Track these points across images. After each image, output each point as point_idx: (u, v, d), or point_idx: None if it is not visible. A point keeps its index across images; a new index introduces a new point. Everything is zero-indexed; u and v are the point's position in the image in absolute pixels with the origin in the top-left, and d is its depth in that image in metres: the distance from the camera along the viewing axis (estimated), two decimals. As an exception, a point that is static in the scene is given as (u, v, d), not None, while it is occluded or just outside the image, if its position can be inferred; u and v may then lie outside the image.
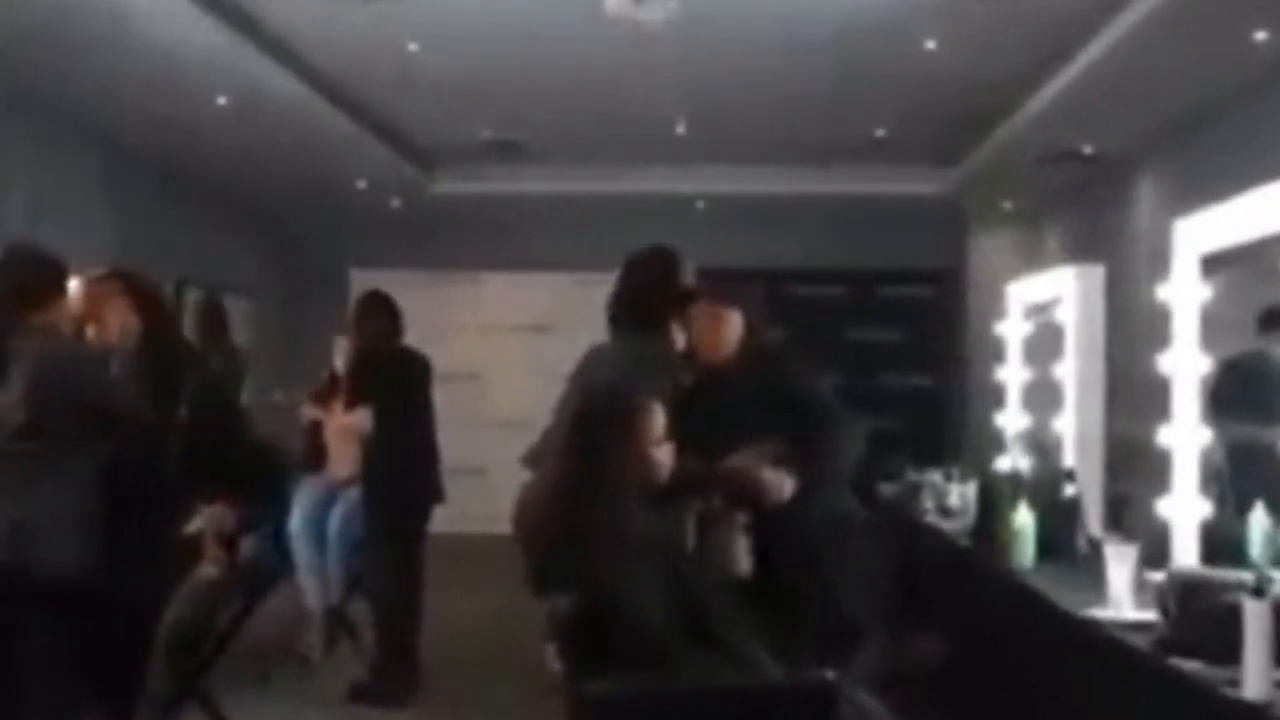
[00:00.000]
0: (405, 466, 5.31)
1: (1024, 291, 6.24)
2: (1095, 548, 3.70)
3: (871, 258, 9.88)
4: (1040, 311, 5.95)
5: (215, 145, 7.31)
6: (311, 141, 7.44)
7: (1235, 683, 2.34)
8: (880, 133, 7.83)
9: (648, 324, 3.57)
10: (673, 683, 2.70)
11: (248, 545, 3.91)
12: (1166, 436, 3.81)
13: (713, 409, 3.37)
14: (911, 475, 5.79)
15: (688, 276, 3.64)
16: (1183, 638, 2.63)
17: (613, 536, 2.80)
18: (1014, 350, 6.27)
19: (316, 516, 5.51)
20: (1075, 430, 5.33)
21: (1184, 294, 3.80)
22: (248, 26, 5.57)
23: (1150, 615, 2.91)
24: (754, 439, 3.36)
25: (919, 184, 8.94)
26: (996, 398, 6.50)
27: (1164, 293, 3.88)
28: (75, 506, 3.34)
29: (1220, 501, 3.71)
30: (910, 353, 10.16)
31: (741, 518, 3.34)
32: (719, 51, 6.14)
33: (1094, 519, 4.31)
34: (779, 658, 2.90)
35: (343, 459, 5.54)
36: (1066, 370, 5.48)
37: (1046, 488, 4.49)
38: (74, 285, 3.75)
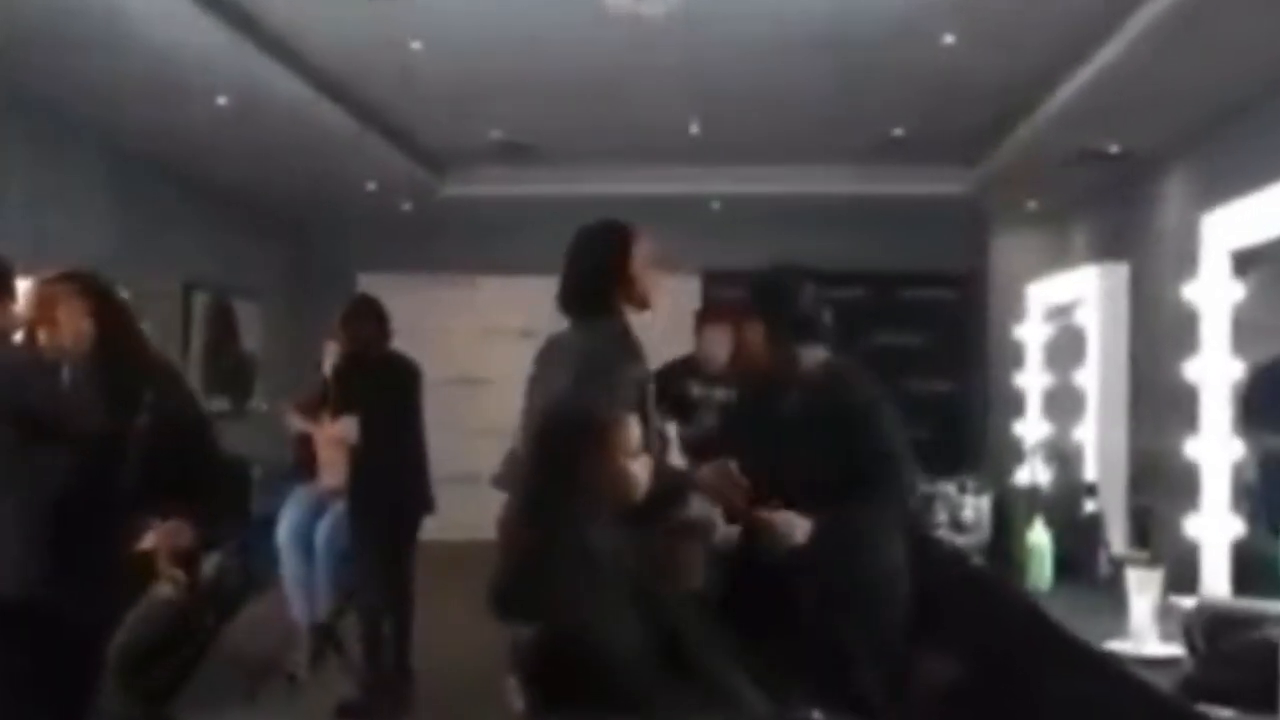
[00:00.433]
0: (392, 475, 5.17)
1: (1044, 293, 5.97)
2: (1117, 567, 3.49)
3: (891, 259, 9.69)
4: (1061, 314, 5.69)
5: (218, 147, 7.15)
6: (317, 143, 7.27)
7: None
8: (898, 132, 7.62)
9: (604, 308, 3.37)
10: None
11: (210, 563, 3.70)
12: (1194, 449, 3.53)
13: (764, 425, 3.36)
14: (924, 486, 5.52)
15: (644, 257, 3.43)
16: (1212, 679, 2.39)
17: (580, 560, 2.57)
18: (1033, 355, 6.02)
19: (304, 527, 5.40)
20: (1097, 440, 5.06)
21: (1214, 294, 3.52)
22: (247, 25, 5.43)
23: (1176, 649, 2.69)
24: (809, 461, 3.24)
25: (939, 184, 8.71)
26: (1016, 405, 6.25)
27: (1191, 292, 3.60)
28: (18, 521, 3.19)
29: (1252, 519, 3.44)
30: (931, 357, 9.95)
31: (717, 530, 3.18)
32: (733, 49, 5.95)
33: (1116, 536, 4.07)
34: (763, 687, 2.66)
35: (333, 468, 5.38)
36: (1089, 376, 5.22)
37: (1066, 503, 4.26)
38: (25, 287, 3.58)
